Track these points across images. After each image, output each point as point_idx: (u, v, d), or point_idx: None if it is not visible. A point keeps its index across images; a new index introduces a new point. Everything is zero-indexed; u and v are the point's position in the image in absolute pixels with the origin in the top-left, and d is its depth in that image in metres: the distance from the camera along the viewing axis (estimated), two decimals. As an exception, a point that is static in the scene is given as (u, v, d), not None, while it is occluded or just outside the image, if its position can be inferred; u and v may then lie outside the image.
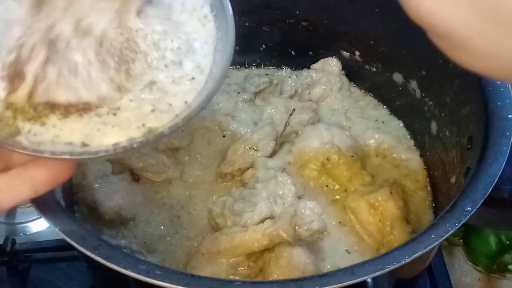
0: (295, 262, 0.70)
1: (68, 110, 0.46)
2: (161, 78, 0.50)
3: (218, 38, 0.53)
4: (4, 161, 0.48)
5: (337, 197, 0.85)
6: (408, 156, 0.91)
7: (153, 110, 0.48)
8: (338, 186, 0.86)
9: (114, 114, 0.47)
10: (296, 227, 0.71)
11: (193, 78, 0.51)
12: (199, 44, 0.53)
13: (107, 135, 0.46)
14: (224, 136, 0.91)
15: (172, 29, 0.52)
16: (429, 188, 0.87)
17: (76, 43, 0.47)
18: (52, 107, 0.46)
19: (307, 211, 0.73)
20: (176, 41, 0.51)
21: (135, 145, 0.46)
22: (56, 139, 0.46)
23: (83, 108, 0.47)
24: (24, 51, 0.46)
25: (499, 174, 0.61)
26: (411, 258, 0.54)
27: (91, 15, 0.48)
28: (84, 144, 0.46)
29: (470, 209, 0.59)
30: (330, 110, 0.98)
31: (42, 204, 0.59)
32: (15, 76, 0.46)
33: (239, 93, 0.95)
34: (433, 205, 0.85)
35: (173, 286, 0.51)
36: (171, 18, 0.53)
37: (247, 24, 0.98)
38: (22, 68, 0.46)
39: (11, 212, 1.01)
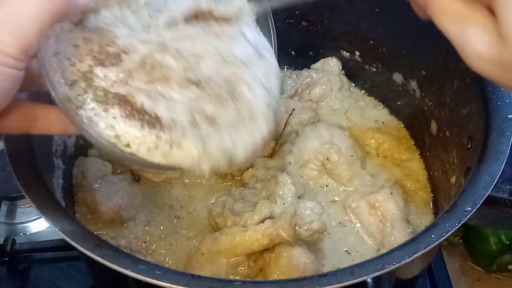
0: (295, 262, 0.70)
1: (133, 114, 0.48)
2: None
3: None
4: None
5: (337, 197, 0.85)
6: (408, 156, 0.91)
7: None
8: (338, 186, 0.86)
9: (171, 146, 0.49)
10: (296, 227, 0.71)
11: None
12: None
13: (153, 156, 0.49)
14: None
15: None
16: (429, 188, 0.87)
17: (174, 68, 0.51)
18: (122, 102, 0.48)
19: (307, 211, 0.73)
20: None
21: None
22: (109, 128, 0.48)
23: (148, 120, 0.48)
24: (127, 56, 0.50)
25: (499, 174, 0.61)
26: (411, 258, 0.54)
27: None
28: (128, 145, 0.48)
29: (470, 209, 0.59)
30: (330, 110, 0.98)
31: (42, 204, 0.59)
32: (108, 61, 0.49)
33: (239, 93, 0.95)
34: (433, 205, 0.85)
35: (173, 286, 0.51)
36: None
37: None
38: (117, 62, 0.49)
39: (11, 212, 1.01)
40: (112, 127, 0.48)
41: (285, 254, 0.71)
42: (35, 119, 0.51)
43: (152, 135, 0.48)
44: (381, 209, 0.79)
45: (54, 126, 0.52)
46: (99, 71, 0.48)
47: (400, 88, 0.94)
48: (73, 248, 0.56)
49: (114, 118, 0.48)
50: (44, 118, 0.51)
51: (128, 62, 0.49)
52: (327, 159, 0.85)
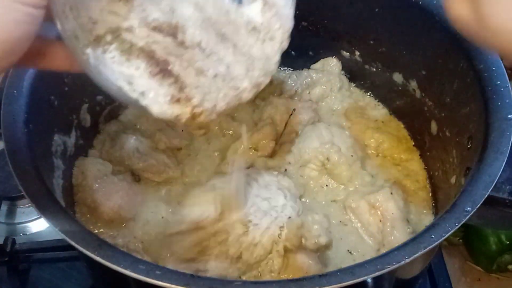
0: (299, 263, 0.70)
1: (156, 71, 0.47)
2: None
3: None
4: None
5: (337, 197, 0.85)
6: (408, 156, 0.91)
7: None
8: (338, 186, 0.86)
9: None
10: (303, 239, 0.71)
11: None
12: None
13: (161, 109, 0.48)
14: (224, 136, 0.91)
15: None
16: (429, 188, 0.87)
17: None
18: (147, 56, 0.47)
19: (315, 225, 0.72)
20: None
21: None
22: (124, 76, 0.46)
23: (171, 77, 0.47)
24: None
25: (499, 174, 0.61)
26: (411, 258, 0.54)
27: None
28: (142, 93, 0.47)
29: (470, 209, 0.59)
30: (330, 110, 0.98)
31: (42, 204, 0.59)
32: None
33: (239, 93, 0.95)
34: (433, 205, 0.85)
35: (173, 286, 0.51)
36: None
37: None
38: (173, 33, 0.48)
39: (11, 212, 1.01)
40: (131, 77, 0.46)
41: (288, 255, 0.71)
42: (43, 55, 0.50)
43: (171, 86, 0.47)
44: (381, 209, 0.79)
45: (60, 63, 0.51)
46: (141, 30, 0.47)
47: (400, 88, 0.94)
48: (73, 248, 0.56)
49: (137, 69, 0.46)
50: (51, 54, 0.50)
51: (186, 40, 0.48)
52: (327, 159, 0.85)
